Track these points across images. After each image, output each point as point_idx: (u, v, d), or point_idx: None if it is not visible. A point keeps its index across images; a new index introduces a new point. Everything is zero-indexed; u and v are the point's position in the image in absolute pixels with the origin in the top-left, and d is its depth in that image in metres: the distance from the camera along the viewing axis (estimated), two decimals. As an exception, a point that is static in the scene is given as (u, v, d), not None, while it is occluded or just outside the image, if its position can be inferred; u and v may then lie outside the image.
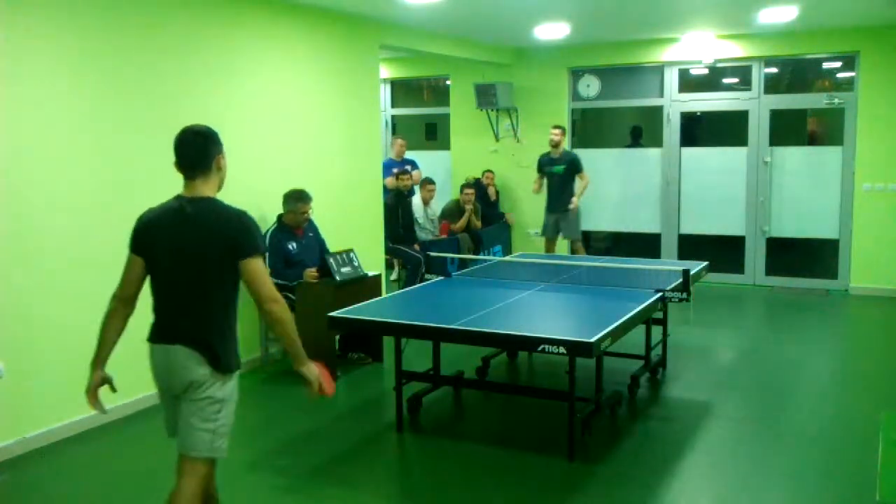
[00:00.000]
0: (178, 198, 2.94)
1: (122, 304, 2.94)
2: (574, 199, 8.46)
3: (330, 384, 3.06)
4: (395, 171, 8.54)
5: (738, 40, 8.76)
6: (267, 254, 5.70)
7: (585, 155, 9.97)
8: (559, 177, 8.54)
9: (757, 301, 8.45)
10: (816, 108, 9.18)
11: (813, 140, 9.77)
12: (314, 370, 2.97)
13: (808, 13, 7.30)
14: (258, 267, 2.85)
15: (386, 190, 8.45)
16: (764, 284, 9.08)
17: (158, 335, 2.92)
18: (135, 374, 4.54)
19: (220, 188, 3.00)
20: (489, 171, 9.98)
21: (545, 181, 8.73)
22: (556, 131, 8.52)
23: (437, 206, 9.35)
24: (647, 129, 9.77)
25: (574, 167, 8.51)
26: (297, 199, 5.87)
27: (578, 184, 8.51)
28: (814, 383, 5.82)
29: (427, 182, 9.09)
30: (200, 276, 2.87)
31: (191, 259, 2.86)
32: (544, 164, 8.67)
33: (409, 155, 9.44)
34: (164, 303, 2.93)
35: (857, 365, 6.28)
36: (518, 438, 4.66)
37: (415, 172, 9.28)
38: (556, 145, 8.51)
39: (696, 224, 9.41)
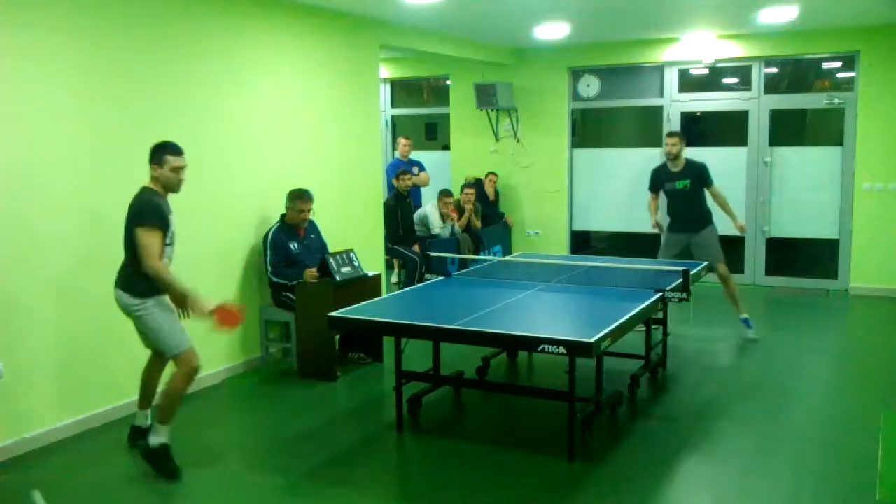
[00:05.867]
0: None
1: None
2: (741, 223, 6.86)
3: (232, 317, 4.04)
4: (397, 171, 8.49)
5: (738, 40, 8.76)
6: (269, 251, 5.81)
7: (586, 155, 10.03)
8: (684, 193, 6.77)
9: (757, 301, 8.44)
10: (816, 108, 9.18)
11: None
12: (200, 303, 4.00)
13: (808, 13, 7.30)
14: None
15: (392, 188, 8.41)
16: (764, 284, 9.08)
17: None
18: (134, 375, 4.56)
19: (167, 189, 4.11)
20: (492, 173, 9.96)
21: (666, 199, 6.93)
22: (673, 140, 6.71)
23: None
24: (648, 129, 9.76)
25: (702, 180, 6.73)
26: (296, 197, 5.89)
27: (720, 202, 6.79)
28: (814, 383, 5.82)
29: (444, 194, 8.69)
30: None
31: None
32: (662, 180, 6.87)
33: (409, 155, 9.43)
34: None
35: (857, 365, 6.28)
36: (518, 438, 4.66)
37: (422, 174, 9.22)
38: (675, 157, 6.72)
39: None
